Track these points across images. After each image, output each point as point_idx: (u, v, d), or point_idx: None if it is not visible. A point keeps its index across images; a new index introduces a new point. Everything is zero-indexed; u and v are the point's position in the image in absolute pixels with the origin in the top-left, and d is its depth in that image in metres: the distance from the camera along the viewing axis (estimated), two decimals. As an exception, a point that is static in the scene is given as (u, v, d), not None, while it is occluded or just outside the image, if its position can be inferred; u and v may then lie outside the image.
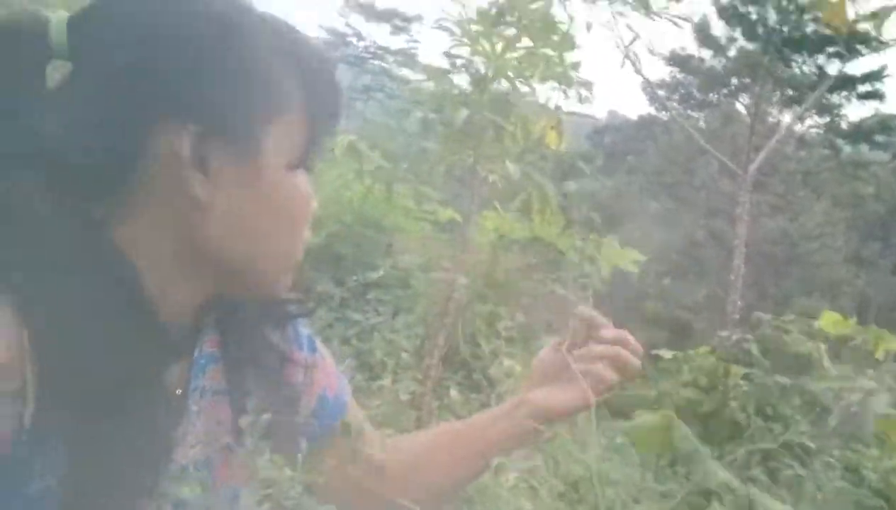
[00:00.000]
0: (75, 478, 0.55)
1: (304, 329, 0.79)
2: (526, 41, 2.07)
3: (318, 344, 0.80)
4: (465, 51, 2.12)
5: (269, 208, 0.63)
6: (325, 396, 0.77)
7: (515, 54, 2.08)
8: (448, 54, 2.14)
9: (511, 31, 2.04)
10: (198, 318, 0.68)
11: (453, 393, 2.29)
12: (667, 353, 2.94)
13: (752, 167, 2.92)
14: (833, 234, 10.33)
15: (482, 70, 2.12)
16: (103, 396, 0.56)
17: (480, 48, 2.07)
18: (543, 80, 2.26)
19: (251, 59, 0.61)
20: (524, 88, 2.15)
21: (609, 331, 0.79)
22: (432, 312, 2.12)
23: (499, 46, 2.07)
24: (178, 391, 0.67)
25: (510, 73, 2.05)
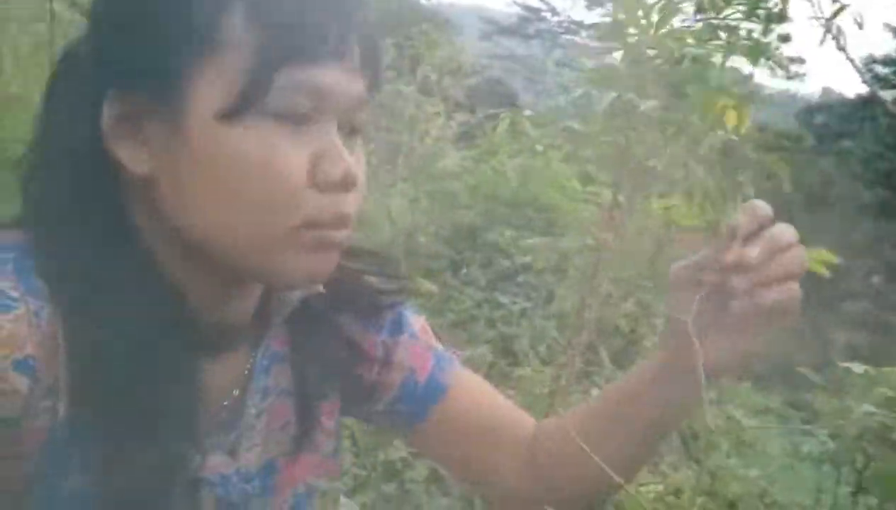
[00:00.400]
0: (110, 473, 0.54)
1: (389, 314, 0.73)
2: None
3: (410, 322, 0.74)
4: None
5: (203, 171, 0.53)
6: (411, 381, 0.72)
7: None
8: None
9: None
10: (264, 311, 0.64)
11: (595, 392, 2.11)
12: (858, 367, 2.59)
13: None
14: None
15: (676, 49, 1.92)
16: (134, 390, 0.54)
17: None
18: (750, 57, 1.99)
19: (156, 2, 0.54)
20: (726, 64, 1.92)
21: (789, 231, 0.60)
22: (579, 302, 1.97)
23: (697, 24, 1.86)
24: (236, 392, 0.63)
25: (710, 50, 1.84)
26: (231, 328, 0.62)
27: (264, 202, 0.53)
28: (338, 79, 0.54)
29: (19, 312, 0.52)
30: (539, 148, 2.80)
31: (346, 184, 0.54)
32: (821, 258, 2.31)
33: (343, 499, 0.74)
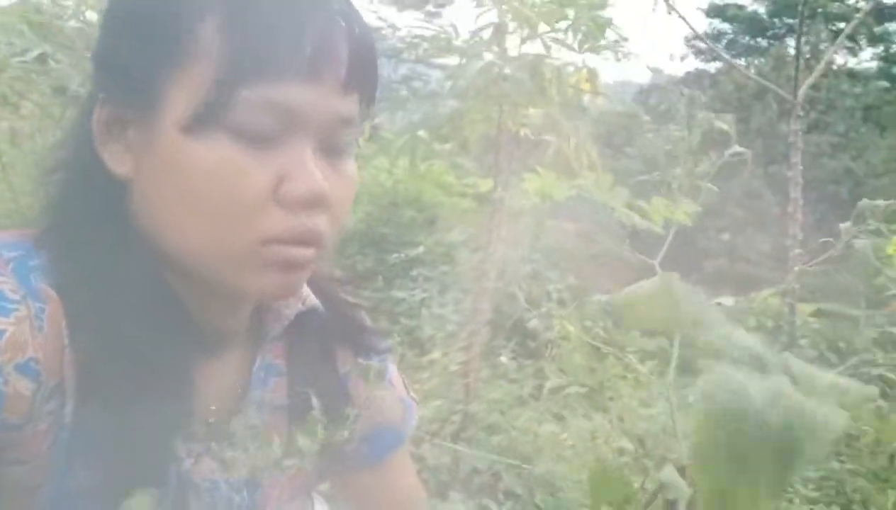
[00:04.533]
0: (112, 471, 0.53)
1: (376, 358, 0.72)
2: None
3: (390, 369, 0.75)
4: (492, 16, 2.06)
5: (167, 181, 0.53)
6: (384, 427, 0.73)
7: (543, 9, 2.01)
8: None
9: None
10: (260, 322, 0.64)
11: (503, 359, 2.24)
12: (729, 300, 2.85)
13: (801, 91, 2.80)
14: (901, 168, 9.87)
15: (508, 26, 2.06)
16: (137, 391, 0.53)
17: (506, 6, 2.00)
18: (574, 33, 2.18)
19: (141, 5, 0.55)
20: (559, 52, 2.09)
21: None
22: (474, 279, 2.09)
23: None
24: (231, 401, 0.63)
25: (539, 27, 2.00)
26: (227, 336, 0.62)
27: (224, 216, 0.52)
28: (313, 97, 0.52)
29: (20, 314, 0.51)
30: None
31: (312, 202, 0.53)
32: (684, 209, 2.55)
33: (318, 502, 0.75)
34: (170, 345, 0.55)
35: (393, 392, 0.75)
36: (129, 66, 0.54)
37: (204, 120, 0.51)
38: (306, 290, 0.66)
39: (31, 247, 0.55)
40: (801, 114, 3.40)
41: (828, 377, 0.36)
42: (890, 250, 1.98)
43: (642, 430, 2.21)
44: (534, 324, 2.27)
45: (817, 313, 2.77)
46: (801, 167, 2.60)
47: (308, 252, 0.54)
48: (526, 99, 1.89)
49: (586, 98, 2.38)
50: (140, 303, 0.54)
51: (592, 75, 2.36)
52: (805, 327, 2.58)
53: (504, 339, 2.29)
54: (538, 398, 2.23)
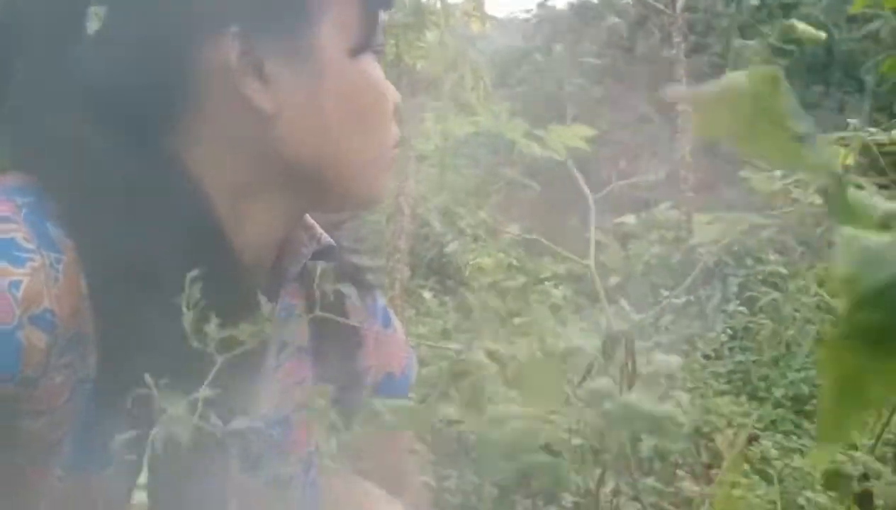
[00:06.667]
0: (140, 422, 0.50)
1: (381, 300, 0.75)
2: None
3: (392, 317, 0.76)
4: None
5: (339, 103, 0.58)
6: (393, 373, 0.74)
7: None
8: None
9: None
10: (278, 261, 0.64)
11: (427, 295, 2.29)
12: (630, 218, 2.99)
13: (680, 4, 2.91)
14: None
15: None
16: (173, 349, 0.49)
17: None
18: None
19: None
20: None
21: None
22: (388, 220, 2.11)
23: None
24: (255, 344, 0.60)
25: None
26: (273, 277, 0.64)
27: (379, 126, 0.60)
28: None
29: (35, 265, 0.50)
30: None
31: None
32: (580, 133, 2.63)
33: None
34: (208, 290, 0.51)
35: (397, 336, 0.76)
36: (282, 4, 0.56)
37: (364, 44, 0.58)
38: (319, 229, 0.68)
39: (42, 190, 0.52)
40: (680, 39, 3.53)
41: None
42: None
43: (561, 349, 2.31)
44: (452, 247, 2.33)
45: (713, 221, 2.93)
46: (685, 79, 2.73)
47: None
48: (416, 26, 1.91)
49: (475, 29, 2.41)
50: (175, 252, 0.51)
51: (478, 3, 2.39)
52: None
53: (422, 279, 2.33)
54: (462, 330, 2.30)
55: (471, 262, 2.44)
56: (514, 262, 2.61)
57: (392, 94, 0.61)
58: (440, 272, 2.35)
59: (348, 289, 0.67)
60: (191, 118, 0.56)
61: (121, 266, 0.51)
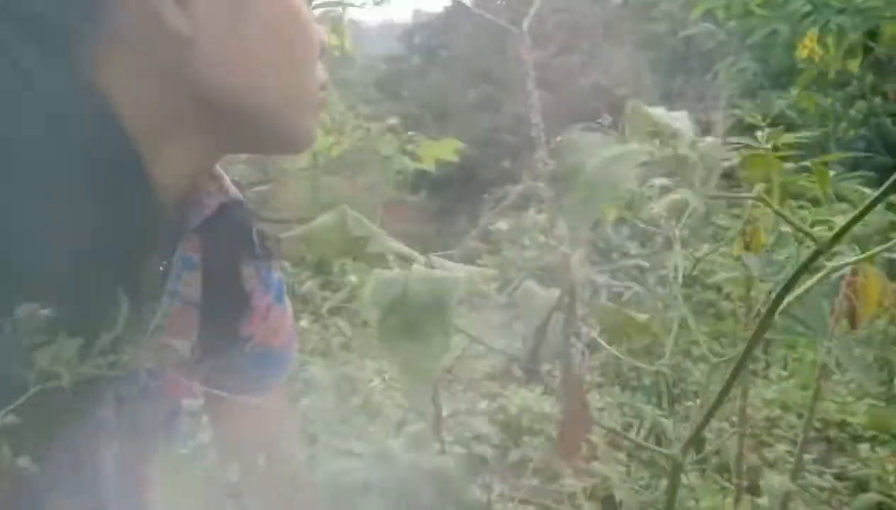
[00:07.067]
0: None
1: (277, 273, 0.71)
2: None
3: (285, 295, 0.74)
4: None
5: (262, 31, 0.54)
6: (273, 348, 0.71)
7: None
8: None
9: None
10: (182, 209, 0.60)
11: (303, 324, 2.30)
12: (503, 224, 3.10)
13: (525, 22, 3.03)
14: (640, 77, 10.90)
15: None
16: (85, 276, 0.47)
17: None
18: None
19: None
20: None
21: None
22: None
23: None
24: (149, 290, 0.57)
25: None
26: (179, 217, 0.61)
27: (305, 63, 0.57)
28: None
29: None
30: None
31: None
32: (451, 147, 2.76)
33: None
34: (122, 229, 0.50)
35: (286, 314, 0.73)
36: None
37: None
38: (228, 181, 0.65)
39: None
40: (528, 57, 3.65)
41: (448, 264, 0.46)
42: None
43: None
44: (308, 286, 2.34)
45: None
46: (535, 92, 2.85)
47: None
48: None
49: (347, 45, 2.43)
50: (86, 177, 0.48)
51: (338, 26, 2.41)
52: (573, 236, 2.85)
53: (300, 304, 2.33)
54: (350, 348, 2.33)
55: (350, 281, 2.47)
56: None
57: (319, 33, 0.58)
58: (312, 301, 2.35)
59: (247, 251, 0.65)
60: (105, 40, 0.51)
61: (26, 200, 0.47)
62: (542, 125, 2.67)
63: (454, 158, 3.23)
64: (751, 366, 1.98)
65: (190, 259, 0.63)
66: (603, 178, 0.40)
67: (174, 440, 0.63)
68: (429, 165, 3.12)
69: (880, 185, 0.43)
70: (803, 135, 1.33)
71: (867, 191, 1.77)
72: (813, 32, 2.91)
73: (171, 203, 0.58)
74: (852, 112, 4.99)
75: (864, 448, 2.69)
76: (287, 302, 0.74)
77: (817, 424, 2.53)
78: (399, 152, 3.26)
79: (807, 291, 0.50)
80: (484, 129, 9.95)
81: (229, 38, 0.53)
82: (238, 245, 0.65)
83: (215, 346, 0.64)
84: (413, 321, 0.37)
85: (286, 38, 0.56)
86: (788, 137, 1.21)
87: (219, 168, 0.64)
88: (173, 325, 0.61)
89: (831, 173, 1.40)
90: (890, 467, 2.52)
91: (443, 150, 3.21)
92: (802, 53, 2.97)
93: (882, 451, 2.61)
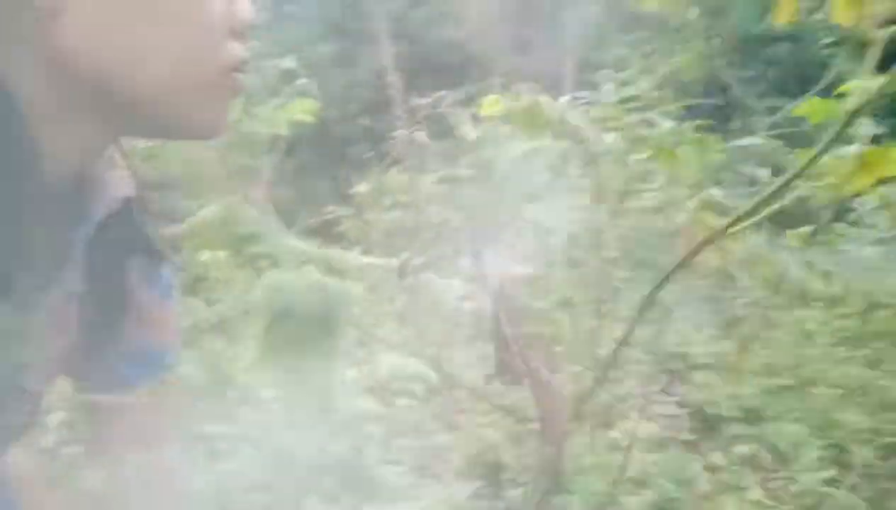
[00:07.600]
0: None
1: (168, 272, 0.67)
2: None
3: (174, 295, 0.70)
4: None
5: (141, 6, 0.47)
6: (151, 345, 0.68)
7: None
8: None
9: None
10: (78, 198, 0.56)
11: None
12: (363, 186, 3.03)
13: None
14: (491, 17, 10.95)
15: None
16: None
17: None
18: None
19: None
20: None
21: None
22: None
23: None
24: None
25: None
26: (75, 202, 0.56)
27: (201, 41, 0.49)
28: None
29: None
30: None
31: (250, 28, 0.53)
32: (306, 106, 2.63)
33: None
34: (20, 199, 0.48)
35: (169, 313, 0.70)
36: None
37: None
38: (127, 173, 0.61)
39: None
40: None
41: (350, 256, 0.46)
42: (484, 110, 2.13)
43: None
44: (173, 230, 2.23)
45: (439, 182, 3.07)
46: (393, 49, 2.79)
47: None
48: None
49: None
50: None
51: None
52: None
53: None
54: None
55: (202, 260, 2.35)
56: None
57: (234, 7, 0.52)
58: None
59: (137, 246, 0.62)
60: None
61: None
62: (400, 84, 2.62)
63: (310, 119, 3.11)
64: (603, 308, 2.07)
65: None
66: (518, 174, 0.36)
67: (36, 435, 0.59)
68: (281, 128, 2.99)
69: (718, 126, 0.41)
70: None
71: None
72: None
73: (68, 188, 0.55)
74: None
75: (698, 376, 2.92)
76: (174, 300, 0.71)
77: (660, 358, 2.70)
78: (246, 115, 3.10)
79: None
80: (340, 85, 9.74)
81: (99, 13, 0.47)
82: (128, 239, 0.61)
83: (91, 341, 0.63)
84: (303, 334, 0.34)
85: (174, 15, 0.49)
86: (630, 91, 1.22)
87: (120, 159, 0.61)
88: (53, 316, 0.59)
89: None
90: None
91: (298, 111, 3.08)
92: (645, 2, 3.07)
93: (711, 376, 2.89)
